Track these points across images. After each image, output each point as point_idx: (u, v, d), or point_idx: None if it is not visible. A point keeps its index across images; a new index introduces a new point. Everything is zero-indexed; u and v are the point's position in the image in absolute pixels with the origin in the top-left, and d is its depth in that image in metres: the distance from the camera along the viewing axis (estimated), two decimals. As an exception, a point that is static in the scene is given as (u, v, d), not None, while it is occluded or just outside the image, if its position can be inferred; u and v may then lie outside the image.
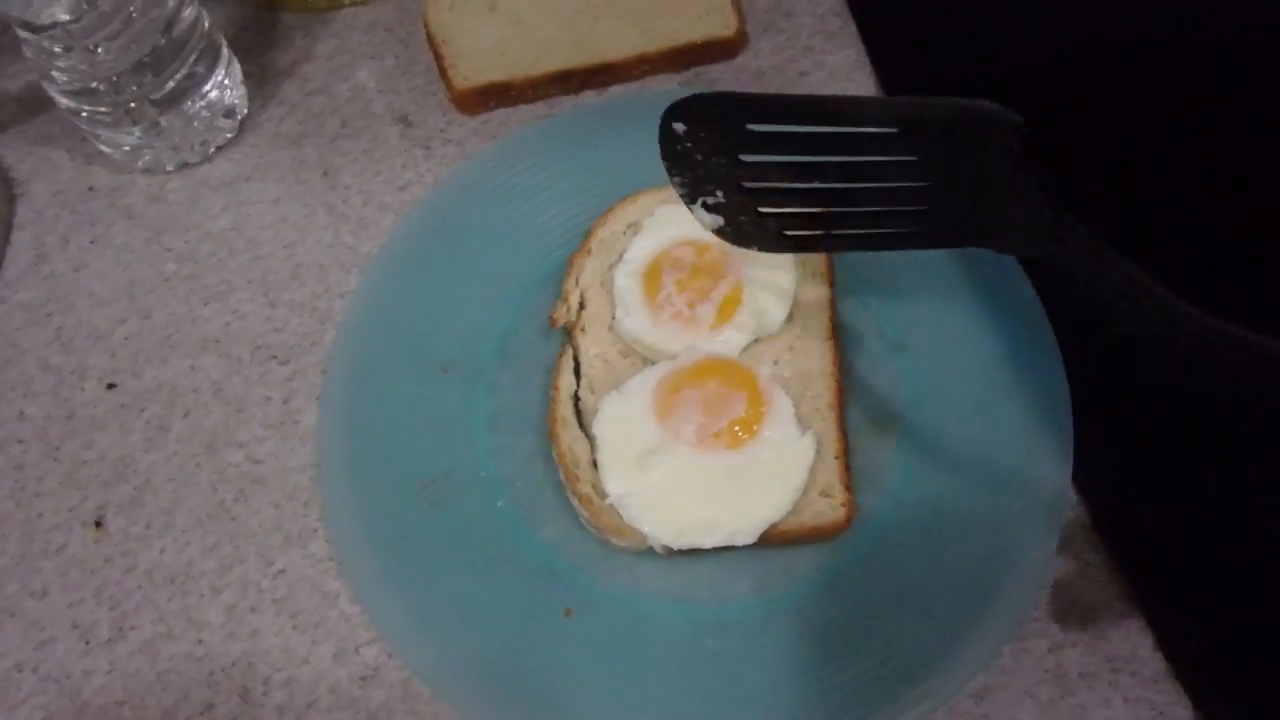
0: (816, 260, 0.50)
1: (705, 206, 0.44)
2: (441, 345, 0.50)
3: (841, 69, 0.59)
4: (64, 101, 0.54)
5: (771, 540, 0.44)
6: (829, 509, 0.44)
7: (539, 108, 0.60)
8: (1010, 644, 0.42)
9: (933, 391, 0.47)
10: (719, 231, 0.45)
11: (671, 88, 0.59)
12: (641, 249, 0.51)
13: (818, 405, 0.47)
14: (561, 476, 0.46)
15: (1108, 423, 0.45)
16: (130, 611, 0.46)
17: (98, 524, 0.48)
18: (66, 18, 0.49)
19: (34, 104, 0.61)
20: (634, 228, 0.52)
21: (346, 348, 0.50)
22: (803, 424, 0.46)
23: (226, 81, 0.58)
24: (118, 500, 0.49)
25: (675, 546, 0.44)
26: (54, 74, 0.52)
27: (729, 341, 0.48)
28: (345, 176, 0.58)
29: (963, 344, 0.48)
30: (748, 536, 0.43)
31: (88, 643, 0.45)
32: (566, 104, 0.60)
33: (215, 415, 0.51)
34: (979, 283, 0.49)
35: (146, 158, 0.58)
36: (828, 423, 0.46)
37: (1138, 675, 0.42)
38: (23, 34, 0.50)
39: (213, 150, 0.59)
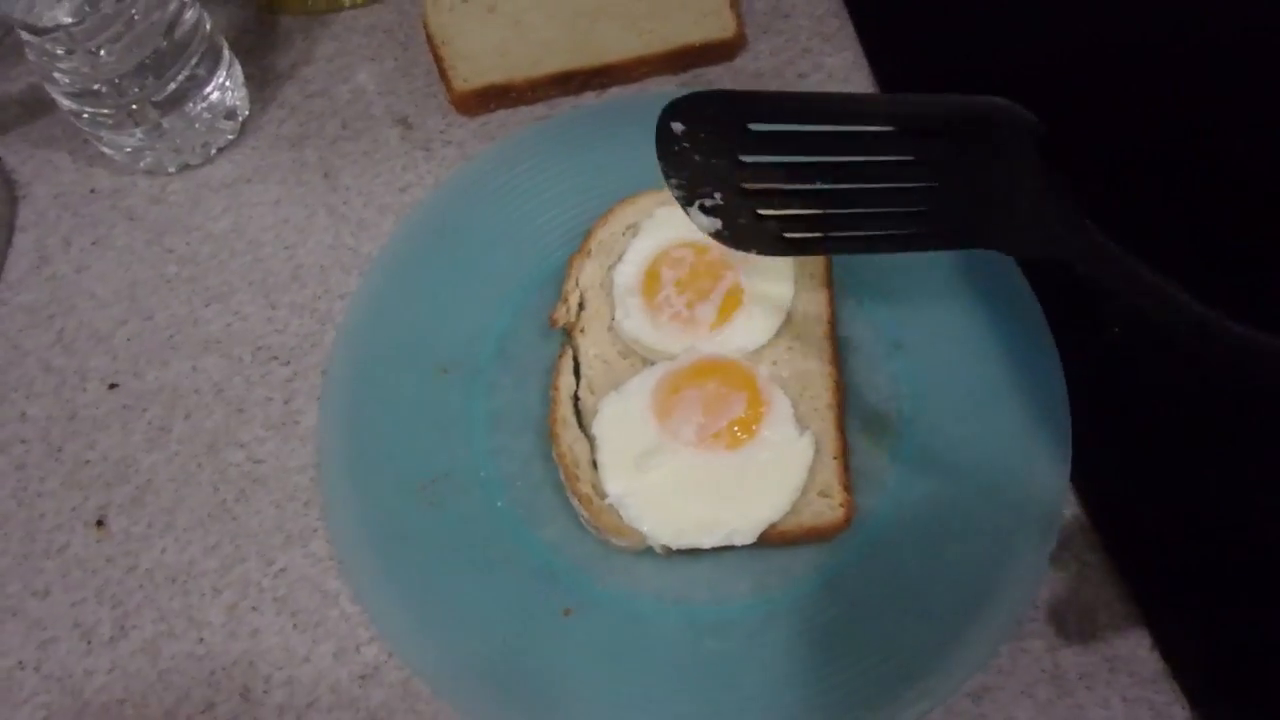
0: (815, 261, 0.50)
1: (702, 209, 0.43)
2: (441, 346, 0.50)
3: (839, 70, 0.59)
4: (66, 103, 0.54)
5: (770, 540, 0.44)
6: (828, 509, 0.44)
7: (538, 109, 0.60)
8: (1008, 644, 0.43)
9: (931, 392, 0.47)
10: (717, 235, 0.43)
11: (670, 89, 0.60)
12: (641, 250, 0.51)
13: (816, 405, 0.47)
14: (561, 476, 0.46)
15: (1105, 423, 0.45)
16: (132, 611, 0.46)
17: (99, 524, 0.48)
18: (69, 20, 0.49)
19: (36, 106, 0.62)
20: (633, 229, 0.52)
21: (347, 349, 0.50)
22: (801, 424, 0.46)
23: (228, 83, 0.58)
24: (119, 500, 0.49)
25: (674, 546, 0.44)
26: (56, 76, 0.52)
27: (744, 338, 0.48)
28: (346, 178, 0.58)
29: (961, 344, 0.48)
30: (746, 536, 0.44)
31: (89, 642, 0.46)
32: (566, 106, 0.60)
33: (216, 416, 0.51)
34: (977, 282, 0.50)
35: (148, 159, 0.58)
36: (826, 423, 0.46)
37: (1135, 675, 0.42)
38: (25, 36, 0.50)
39: (214, 152, 0.59)
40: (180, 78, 0.55)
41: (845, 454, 0.46)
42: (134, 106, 0.54)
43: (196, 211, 0.58)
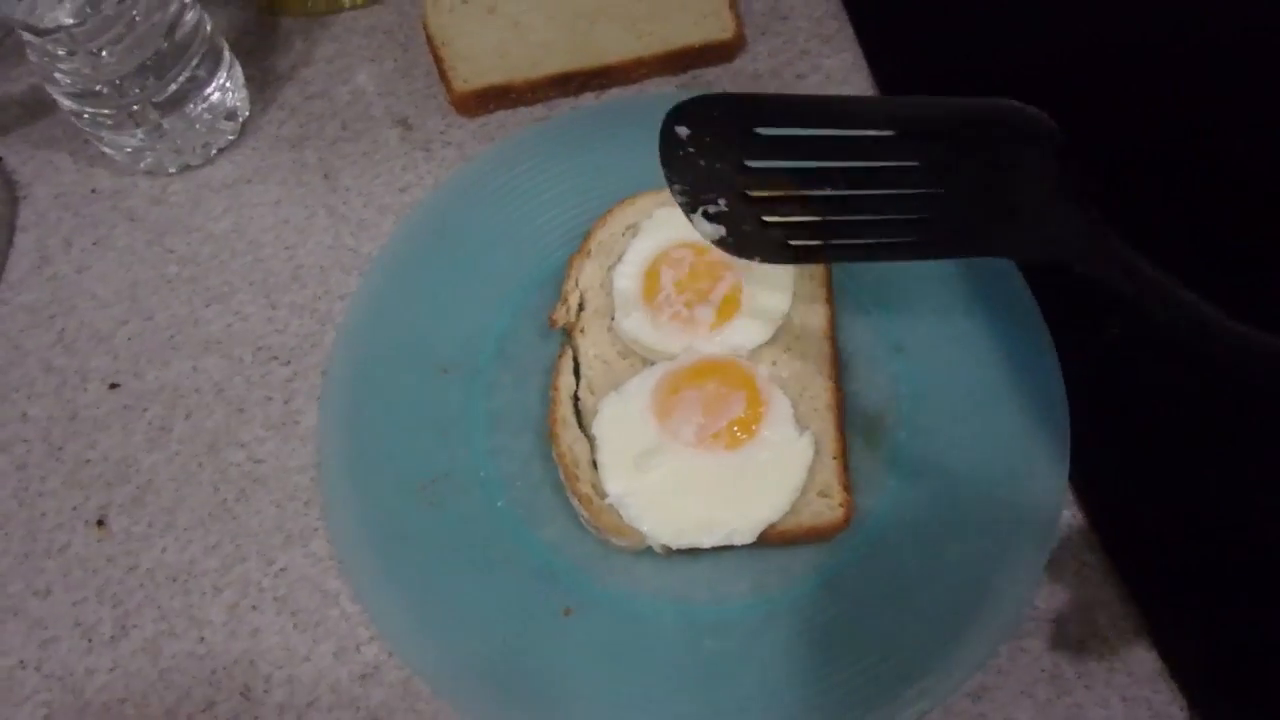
0: (814, 262, 0.50)
1: (706, 216, 0.42)
2: (441, 346, 0.50)
3: (838, 72, 0.60)
4: (67, 104, 0.54)
5: (770, 540, 0.44)
6: (827, 509, 0.44)
7: (538, 110, 0.60)
8: (1007, 644, 0.43)
9: (930, 392, 0.48)
10: (720, 242, 0.42)
11: (669, 91, 0.60)
12: (640, 250, 0.51)
13: (816, 406, 0.47)
14: (561, 476, 0.46)
15: (1104, 423, 0.46)
16: (132, 610, 0.46)
17: (100, 523, 0.49)
18: (70, 22, 0.49)
19: (36, 107, 0.62)
20: (633, 229, 0.52)
21: (347, 349, 0.50)
22: (801, 424, 0.46)
23: (228, 84, 0.58)
24: (120, 500, 0.49)
25: (674, 546, 0.44)
26: (57, 76, 0.52)
27: (743, 338, 0.48)
28: (346, 179, 0.58)
29: (960, 345, 0.49)
30: (746, 536, 0.44)
31: (90, 641, 0.46)
32: (565, 107, 0.60)
33: (217, 416, 0.51)
34: (976, 284, 0.50)
35: (148, 160, 0.58)
36: (826, 423, 0.46)
37: (1134, 675, 0.42)
38: (27, 37, 0.50)
39: (214, 153, 0.59)
40: (181, 79, 0.55)
41: (845, 454, 0.46)
42: (135, 107, 0.54)
43: (197, 212, 0.58)
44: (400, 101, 0.61)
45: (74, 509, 0.49)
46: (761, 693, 0.41)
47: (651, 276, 0.50)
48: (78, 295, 0.56)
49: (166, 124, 0.56)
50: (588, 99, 0.60)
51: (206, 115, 0.57)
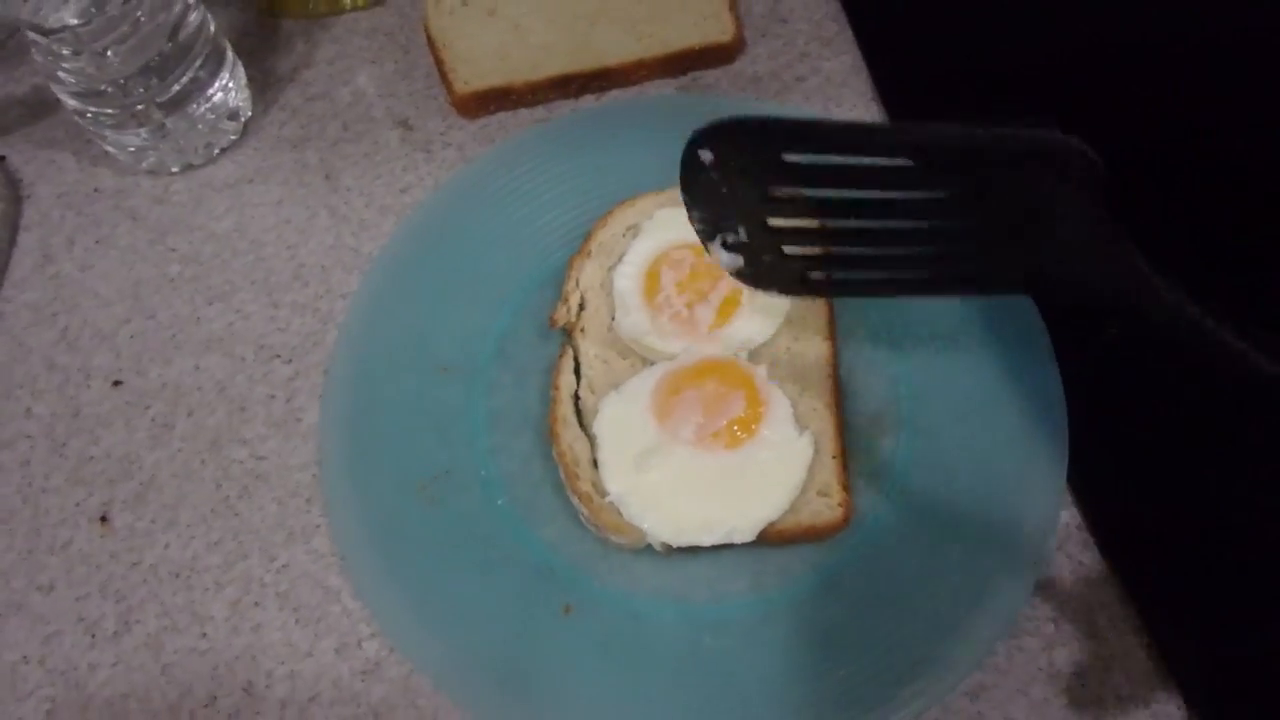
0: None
1: (724, 245, 0.40)
2: (441, 346, 0.50)
3: (838, 74, 0.60)
4: (71, 103, 0.54)
5: (769, 539, 0.44)
6: (826, 509, 0.44)
7: (538, 112, 0.60)
8: (1005, 642, 0.43)
9: (929, 393, 0.48)
10: (738, 274, 0.40)
11: (669, 93, 0.60)
12: (641, 251, 0.51)
13: (815, 406, 0.47)
14: (561, 475, 0.46)
15: (1102, 424, 0.46)
16: (135, 606, 0.46)
17: (103, 520, 0.49)
18: (75, 22, 0.50)
19: (39, 107, 0.62)
20: (633, 230, 0.52)
21: (348, 348, 0.50)
22: (801, 424, 0.46)
23: (231, 85, 0.59)
24: (123, 496, 0.49)
25: (674, 544, 0.44)
26: (61, 76, 0.53)
27: (743, 338, 0.48)
28: (347, 179, 0.59)
29: (959, 346, 0.49)
30: (746, 535, 0.44)
31: (93, 636, 0.46)
32: (565, 108, 0.60)
33: (219, 413, 0.51)
34: (974, 285, 0.50)
35: (151, 159, 0.58)
36: (825, 423, 0.47)
37: (1131, 675, 0.42)
38: (32, 37, 0.51)
39: (217, 153, 0.60)
40: (184, 79, 0.55)
41: (844, 454, 0.46)
42: (138, 107, 0.54)
43: (199, 211, 0.58)
44: (401, 103, 0.61)
45: (77, 505, 0.49)
46: (760, 691, 0.41)
47: (652, 277, 0.50)
48: (81, 294, 0.56)
49: (169, 124, 0.56)
50: (588, 101, 0.60)
51: (209, 115, 0.58)
